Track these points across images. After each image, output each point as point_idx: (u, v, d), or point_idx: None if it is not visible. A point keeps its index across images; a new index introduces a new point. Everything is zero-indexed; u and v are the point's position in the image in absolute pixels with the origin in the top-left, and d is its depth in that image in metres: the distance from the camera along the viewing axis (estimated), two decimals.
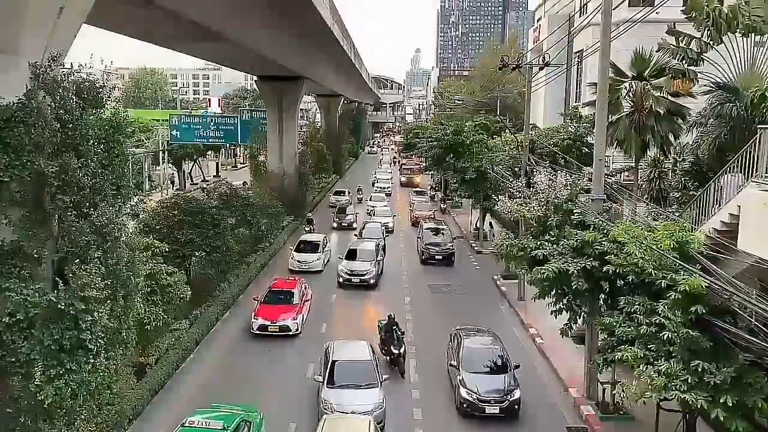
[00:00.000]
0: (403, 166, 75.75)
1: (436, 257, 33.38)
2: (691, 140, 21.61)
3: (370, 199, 51.05)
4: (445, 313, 25.22)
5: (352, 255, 30.03)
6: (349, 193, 54.43)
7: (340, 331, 22.74)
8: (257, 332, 22.09)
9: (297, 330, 22.36)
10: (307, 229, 38.53)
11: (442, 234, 35.18)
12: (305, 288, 25.18)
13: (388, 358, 19.57)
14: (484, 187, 34.68)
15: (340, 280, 28.86)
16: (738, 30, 17.54)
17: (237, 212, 28.47)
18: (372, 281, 28.84)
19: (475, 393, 16.62)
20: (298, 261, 30.91)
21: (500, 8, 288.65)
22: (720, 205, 14.45)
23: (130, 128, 21.68)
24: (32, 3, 12.16)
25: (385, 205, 47.50)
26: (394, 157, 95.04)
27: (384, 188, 60.79)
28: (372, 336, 20.52)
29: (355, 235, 37.27)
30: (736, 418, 11.13)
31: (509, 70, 27.53)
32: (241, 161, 79.89)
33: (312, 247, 32.26)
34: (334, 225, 42.95)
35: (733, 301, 11.51)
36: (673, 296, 11.87)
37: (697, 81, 19.85)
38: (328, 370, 16.83)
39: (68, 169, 11.90)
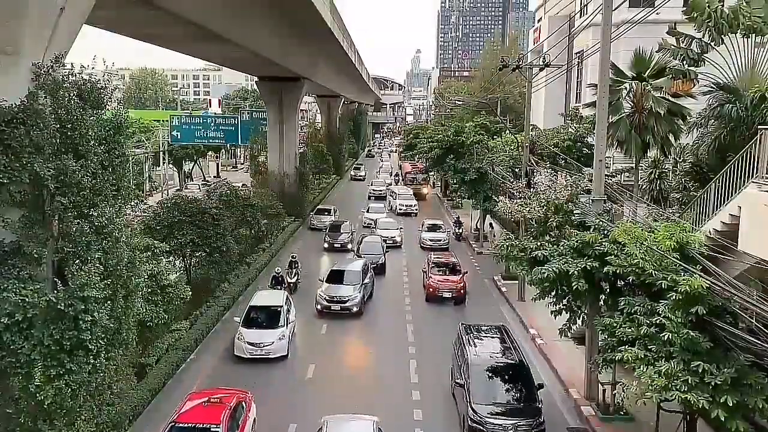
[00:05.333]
0: (407, 174, 65.13)
1: None
2: (692, 141, 21.57)
3: (368, 211, 45.77)
4: (446, 316, 25.11)
5: (334, 278, 25.75)
6: (335, 211, 44.96)
7: None
8: None
9: None
10: (276, 290, 25.14)
11: (513, 367, 16.51)
12: (244, 411, 14.73)
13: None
14: (484, 188, 34.66)
15: (318, 307, 24.87)
16: (739, 31, 17.54)
17: (237, 212, 28.47)
18: (355, 309, 24.73)
19: None
20: (249, 343, 19.97)
21: (500, 9, 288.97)
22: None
23: (131, 129, 21.60)
24: (33, 4, 12.16)
25: (387, 217, 42.59)
26: (397, 173, 72.10)
27: (408, 206, 49.52)
28: None
29: (352, 251, 34.33)
30: (737, 418, 11.12)
31: (509, 70, 27.54)
32: (242, 162, 79.96)
33: (269, 317, 20.79)
34: (325, 246, 36.48)
35: (733, 301, 11.50)
36: (673, 297, 11.84)
37: (698, 81, 19.82)
38: None
39: (66, 170, 11.89)
